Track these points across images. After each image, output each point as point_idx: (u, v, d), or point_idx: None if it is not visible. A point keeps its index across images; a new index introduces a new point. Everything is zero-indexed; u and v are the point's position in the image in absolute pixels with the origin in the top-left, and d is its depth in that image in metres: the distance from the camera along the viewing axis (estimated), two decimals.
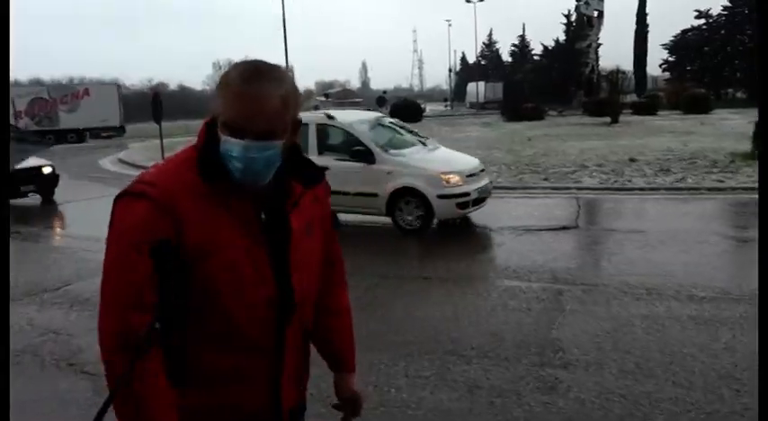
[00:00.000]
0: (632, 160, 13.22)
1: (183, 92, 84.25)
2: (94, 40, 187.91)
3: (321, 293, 1.60)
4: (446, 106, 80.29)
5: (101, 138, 36.62)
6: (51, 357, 4.51)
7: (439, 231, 8.17)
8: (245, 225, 1.34)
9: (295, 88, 1.35)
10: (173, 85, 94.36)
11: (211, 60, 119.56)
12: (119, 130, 38.06)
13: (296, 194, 1.42)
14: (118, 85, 40.95)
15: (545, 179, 11.68)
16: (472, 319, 4.88)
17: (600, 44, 40.08)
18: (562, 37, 58.73)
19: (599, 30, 39.16)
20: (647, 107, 32.98)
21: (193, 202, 1.29)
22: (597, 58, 39.74)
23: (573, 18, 52.50)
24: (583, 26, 40.73)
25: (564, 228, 7.92)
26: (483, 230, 8.21)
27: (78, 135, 35.88)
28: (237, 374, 1.39)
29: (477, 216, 8.66)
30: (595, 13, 39.68)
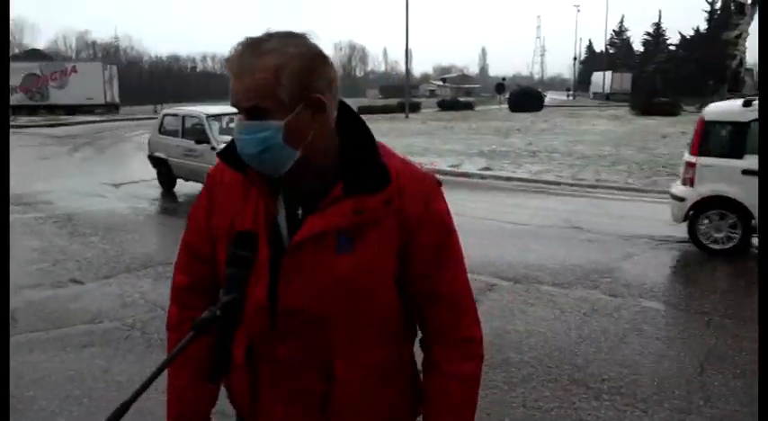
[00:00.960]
0: None
1: None
2: (201, 17, 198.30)
3: (424, 338, 1.35)
4: (568, 96, 77.03)
5: (96, 114, 37.03)
6: (158, 336, 4.48)
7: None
8: (254, 218, 1.25)
9: (304, 58, 1.15)
10: None
11: (333, 41, 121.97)
12: (110, 108, 38.69)
13: (328, 197, 1.21)
14: (106, 65, 41.79)
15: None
16: (601, 345, 4.30)
17: (748, 34, 36.20)
18: (703, 26, 54.08)
19: (752, 18, 35.27)
20: None
21: (228, 186, 1.30)
22: (745, 50, 35.97)
23: (717, 5, 48.01)
24: (731, 14, 36.94)
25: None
26: (611, 238, 7.44)
27: (68, 111, 36.64)
28: (237, 365, 1.32)
29: (605, 221, 7.89)
30: (749, 0, 35.72)
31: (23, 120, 36.38)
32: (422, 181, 1.27)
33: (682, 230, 6.96)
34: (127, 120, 39.30)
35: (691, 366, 3.94)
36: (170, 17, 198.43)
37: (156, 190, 10.98)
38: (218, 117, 9.97)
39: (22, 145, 20.58)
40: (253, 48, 1.14)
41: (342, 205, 1.20)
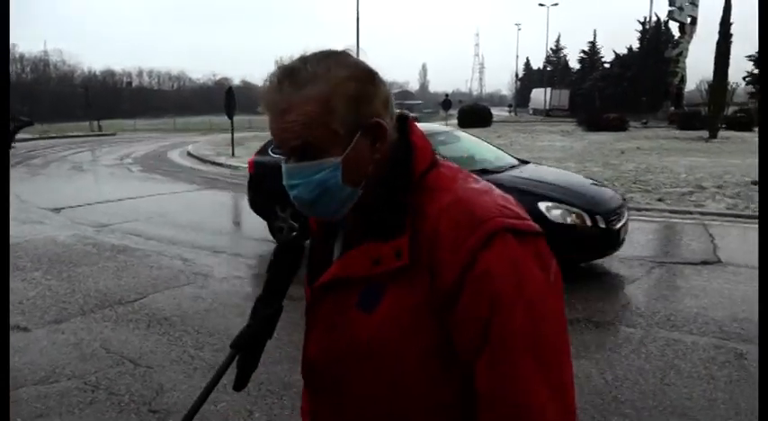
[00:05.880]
0: (755, 183, 11.80)
1: (247, 87, 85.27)
2: (163, 32, 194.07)
3: None
4: (509, 112, 78.77)
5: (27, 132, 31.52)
6: (130, 398, 3.76)
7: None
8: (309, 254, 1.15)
9: (354, 79, 0.97)
10: (236, 81, 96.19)
11: (274, 57, 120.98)
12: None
13: (354, 239, 1.03)
14: None
15: (659, 200, 10.37)
16: (640, 385, 3.86)
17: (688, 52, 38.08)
18: (636, 44, 56.31)
19: (691, 37, 37.10)
20: (744, 123, 30.66)
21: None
22: (685, 67, 37.78)
23: (648, 26, 50.33)
24: (668, 33, 38.84)
25: (704, 262, 6.73)
26: (605, 261, 7.10)
27: None
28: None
29: None
30: (688, 20, 37.51)
31: None
32: (469, 228, 0.91)
33: (698, 252, 6.69)
34: (60, 137, 37.27)
35: (745, 409, 3.54)
36: (104, 32, 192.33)
37: (102, 215, 10.03)
38: None
39: None
40: (291, 78, 0.97)
41: (359, 251, 1.00)
